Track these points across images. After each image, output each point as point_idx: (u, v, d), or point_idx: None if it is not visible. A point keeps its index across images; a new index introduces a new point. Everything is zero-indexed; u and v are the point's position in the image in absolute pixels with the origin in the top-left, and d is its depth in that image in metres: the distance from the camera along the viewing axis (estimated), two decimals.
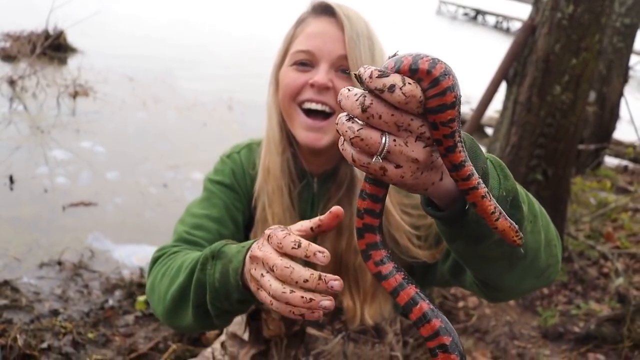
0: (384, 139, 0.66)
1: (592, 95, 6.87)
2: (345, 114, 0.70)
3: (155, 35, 11.79)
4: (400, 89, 0.63)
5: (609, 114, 6.80)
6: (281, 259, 0.86)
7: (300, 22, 1.36)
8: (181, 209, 1.52)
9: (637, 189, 5.61)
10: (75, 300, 3.56)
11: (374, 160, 0.68)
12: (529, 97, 3.61)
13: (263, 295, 0.90)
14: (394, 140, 0.67)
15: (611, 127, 6.94)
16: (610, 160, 7.93)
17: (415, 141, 0.67)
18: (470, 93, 6.94)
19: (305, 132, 1.30)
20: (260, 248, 0.91)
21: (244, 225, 1.46)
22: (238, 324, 1.52)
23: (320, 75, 1.27)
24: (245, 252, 1.01)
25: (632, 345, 3.17)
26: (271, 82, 1.40)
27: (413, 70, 0.65)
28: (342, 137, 0.70)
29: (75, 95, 7.49)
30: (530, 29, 3.57)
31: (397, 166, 0.68)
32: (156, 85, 8.59)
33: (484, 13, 43.58)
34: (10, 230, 4.28)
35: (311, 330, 1.41)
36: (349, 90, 0.68)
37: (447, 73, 0.64)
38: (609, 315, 3.38)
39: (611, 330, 3.28)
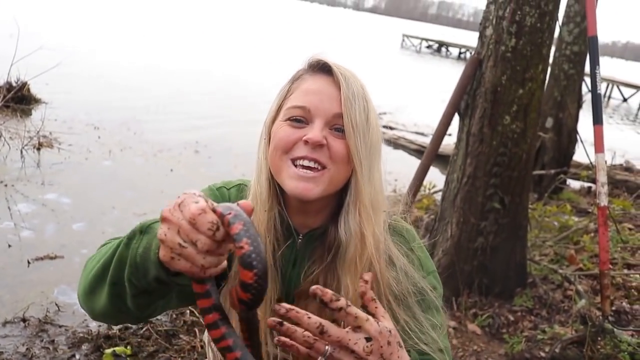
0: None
1: (549, 121, 7.09)
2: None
3: (124, 83, 11.84)
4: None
5: (567, 139, 7.01)
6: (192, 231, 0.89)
7: (297, 78, 1.36)
8: None
9: (594, 210, 5.74)
10: (40, 357, 3.48)
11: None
12: (480, 128, 3.73)
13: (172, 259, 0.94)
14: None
15: (570, 151, 7.14)
16: (574, 183, 8.14)
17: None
18: (434, 124, 7.09)
19: (296, 182, 1.27)
20: (172, 213, 0.92)
21: None
22: None
23: (315, 132, 1.26)
24: None
25: None
26: (263, 136, 1.38)
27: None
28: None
29: (39, 146, 7.44)
30: (477, 62, 3.71)
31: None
32: (122, 133, 8.59)
33: (447, 45, 44.74)
34: None
35: (280, 352, 1.34)
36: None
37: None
38: (572, 337, 3.44)
39: (575, 352, 3.33)
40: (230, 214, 0.85)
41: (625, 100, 28.04)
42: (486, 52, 3.68)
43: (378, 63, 26.99)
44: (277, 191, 1.36)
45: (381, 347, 1.00)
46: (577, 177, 7.33)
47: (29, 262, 4.62)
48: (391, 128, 11.55)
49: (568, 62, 6.80)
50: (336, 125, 1.28)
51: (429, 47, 45.99)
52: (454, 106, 3.78)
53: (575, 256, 4.75)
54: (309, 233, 1.38)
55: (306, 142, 1.26)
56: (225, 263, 0.94)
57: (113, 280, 1.11)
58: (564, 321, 3.80)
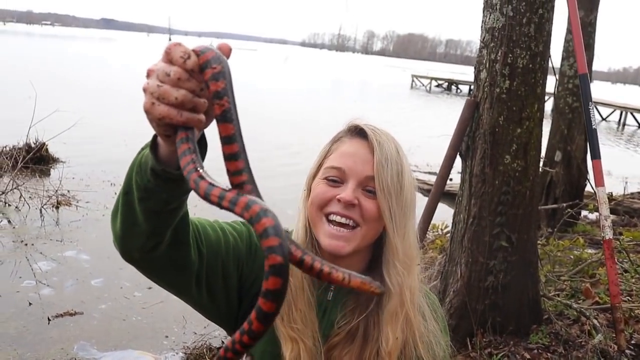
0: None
1: (558, 155, 7.13)
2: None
3: (138, 140, 12.12)
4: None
5: (577, 171, 7.03)
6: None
7: (336, 140, 1.48)
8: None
9: None
10: None
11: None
12: (482, 169, 3.80)
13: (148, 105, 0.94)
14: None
15: (581, 183, 7.15)
16: (591, 215, 8.09)
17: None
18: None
19: (329, 239, 1.38)
20: (154, 65, 0.94)
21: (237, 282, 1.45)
22: None
23: (348, 192, 1.37)
24: (149, 148, 1.06)
25: None
26: (304, 188, 1.50)
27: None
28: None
29: (58, 205, 7.65)
30: (474, 105, 3.81)
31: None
32: None
33: (456, 83, 45.14)
34: None
35: None
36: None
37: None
38: None
39: None
40: (202, 47, 0.89)
41: None
42: (482, 94, 3.79)
43: (389, 105, 27.29)
44: (312, 238, 1.45)
45: None
46: (588, 209, 7.31)
47: (49, 320, 4.73)
48: None
49: (572, 95, 6.89)
50: (368, 187, 1.39)
51: (438, 86, 46.42)
52: (455, 148, 3.86)
53: (591, 290, 4.72)
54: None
55: (339, 200, 1.37)
56: (203, 116, 0.93)
57: (125, 189, 1.15)
58: (582, 357, 3.76)
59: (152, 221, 1.16)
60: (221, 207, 0.78)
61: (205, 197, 0.80)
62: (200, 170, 0.82)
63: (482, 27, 3.82)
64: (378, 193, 1.37)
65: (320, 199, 1.41)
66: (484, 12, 3.79)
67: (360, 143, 1.43)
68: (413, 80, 47.75)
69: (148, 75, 0.94)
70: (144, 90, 0.93)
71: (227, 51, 0.91)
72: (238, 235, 1.45)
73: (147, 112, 0.93)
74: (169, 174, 1.04)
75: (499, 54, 3.66)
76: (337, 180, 1.41)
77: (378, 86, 39.46)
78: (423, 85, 46.30)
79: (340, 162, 1.42)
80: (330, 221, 1.39)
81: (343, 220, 1.37)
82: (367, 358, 1.39)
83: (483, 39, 3.79)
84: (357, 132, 1.45)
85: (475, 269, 3.93)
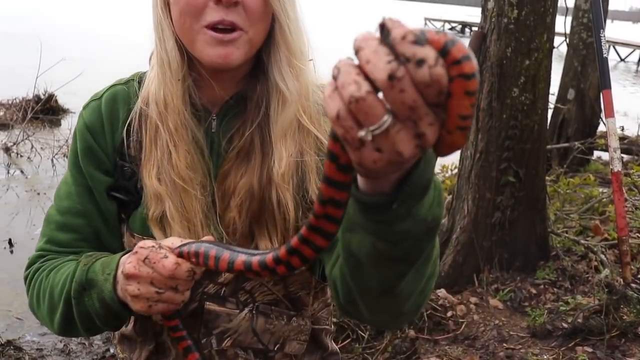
0: (387, 117, 0.55)
1: (571, 93, 6.96)
2: (353, 64, 0.56)
3: None
4: (430, 68, 0.52)
5: (590, 109, 6.87)
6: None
7: None
8: None
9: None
10: (77, 352, 3.65)
11: (361, 133, 0.57)
12: (489, 103, 3.71)
13: (139, 306, 0.99)
14: (395, 124, 0.56)
15: (594, 121, 7.00)
16: (605, 155, 7.97)
17: (413, 136, 0.57)
18: None
19: (214, 48, 1.08)
20: (138, 269, 0.96)
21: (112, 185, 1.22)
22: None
23: None
24: (112, 279, 1.04)
25: (619, 334, 3.19)
26: None
27: (443, 51, 0.54)
28: (337, 86, 0.56)
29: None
30: (481, 37, 3.69)
31: (378, 149, 0.58)
32: None
33: (470, 25, 44.11)
34: (12, 293, 4.38)
35: (211, 306, 1.19)
36: (378, 43, 0.55)
37: (474, 73, 0.54)
38: (595, 306, 3.41)
39: (598, 321, 3.30)
40: (201, 251, 0.94)
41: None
42: (489, 25, 3.66)
43: None
44: (189, 60, 1.16)
45: None
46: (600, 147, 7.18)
47: None
48: None
49: (586, 30, 6.65)
50: None
51: (452, 28, 45.42)
52: None
53: (600, 227, 4.68)
54: (224, 107, 1.20)
55: (218, 1, 1.06)
56: (188, 294, 1.04)
57: (86, 327, 1.13)
58: (587, 292, 3.77)
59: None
60: None
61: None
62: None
63: None
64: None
65: (193, 7, 1.07)
66: None
67: None
68: (426, 23, 46.77)
69: (132, 277, 0.97)
70: (135, 295, 0.97)
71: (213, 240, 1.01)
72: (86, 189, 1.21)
73: (144, 312, 1.00)
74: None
75: None
76: None
77: None
78: (436, 28, 45.37)
79: None
80: (208, 31, 1.08)
81: (227, 28, 1.07)
82: (258, 180, 1.15)
83: None
84: None
85: (482, 205, 3.89)
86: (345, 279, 0.95)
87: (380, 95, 0.56)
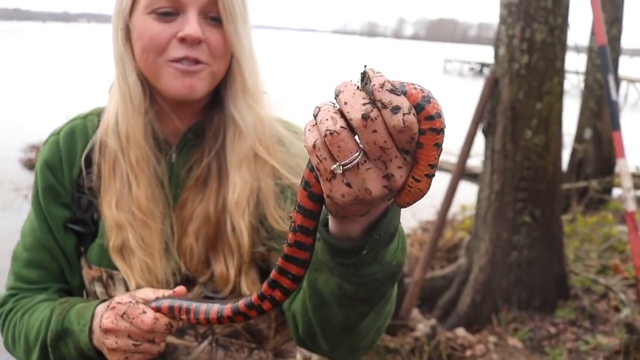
0: (358, 154, 0.62)
1: (588, 132, 7.02)
2: (332, 104, 0.63)
3: None
4: (404, 115, 0.59)
5: (607, 149, 6.90)
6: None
7: None
8: None
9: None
10: None
11: (334, 166, 0.63)
12: (503, 145, 3.81)
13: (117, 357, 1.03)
14: (365, 161, 0.63)
15: (612, 160, 7.02)
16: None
17: (382, 177, 0.64)
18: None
19: (179, 80, 1.11)
20: (116, 324, 1.00)
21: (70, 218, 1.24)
22: None
23: (193, 26, 1.09)
24: (87, 331, 1.07)
25: None
26: (118, 29, 1.15)
27: (419, 106, 0.61)
28: (316, 121, 0.64)
29: None
30: (493, 82, 3.81)
31: (347, 184, 0.64)
32: None
33: (489, 65, 44.37)
34: None
35: (169, 339, 1.18)
36: (356, 89, 0.62)
37: (444, 128, 0.62)
38: (615, 346, 3.41)
39: None
40: (180, 307, 1.00)
41: None
42: (501, 70, 3.79)
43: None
44: (151, 93, 1.18)
45: None
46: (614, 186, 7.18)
47: None
48: None
49: (600, 71, 6.75)
50: (211, 14, 1.12)
51: (471, 69, 45.76)
52: (475, 125, 3.87)
53: (620, 265, 4.68)
54: (183, 139, 1.23)
55: (182, 39, 1.10)
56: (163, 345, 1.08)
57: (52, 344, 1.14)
58: (608, 331, 3.76)
59: None
60: None
61: None
62: None
63: (500, 3, 3.81)
64: (225, 20, 1.12)
65: (156, 43, 1.10)
66: None
67: None
68: (445, 64, 47.18)
69: (110, 332, 1.01)
70: (113, 349, 1.01)
71: (184, 293, 1.04)
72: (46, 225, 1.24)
73: None
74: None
75: (517, 29, 3.65)
76: (170, 12, 1.11)
77: (408, 71, 39.08)
78: (455, 69, 45.72)
79: None
80: (173, 66, 1.12)
81: (192, 65, 1.12)
82: (213, 207, 1.18)
83: (501, 15, 3.79)
84: None
85: (499, 244, 3.95)
86: (308, 314, 0.99)
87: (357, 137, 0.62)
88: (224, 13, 1.11)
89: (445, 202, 3.93)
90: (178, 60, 1.11)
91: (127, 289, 1.16)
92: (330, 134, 0.61)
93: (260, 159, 1.18)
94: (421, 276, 4.03)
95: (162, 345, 1.05)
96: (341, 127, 0.61)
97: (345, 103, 0.61)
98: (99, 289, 1.21)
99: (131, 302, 1.00)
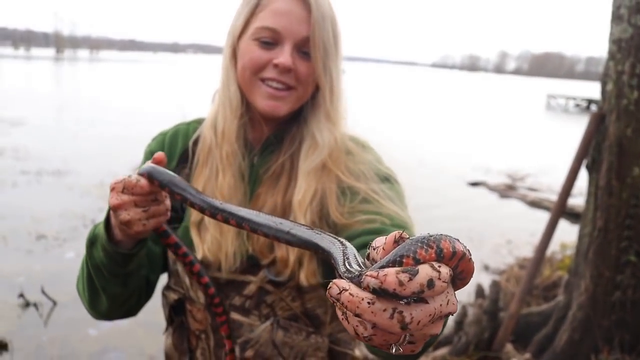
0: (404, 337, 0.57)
1: None
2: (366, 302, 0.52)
3: None
4: (439, 278, 0.52)
5: None
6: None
7: None
8: None
9: None
10: None
11: (392, 349, 0.57)
12: (608, 182, 3.74)
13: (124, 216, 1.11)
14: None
15: None
16: None
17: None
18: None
19: (267, 100, 1.32)
20: (119, 198, 1.09)
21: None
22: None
23: (285, 57, 1.28)
24: (104, 222, 1.19)
25: None
26: (228, 46, 1.37)
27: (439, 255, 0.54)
28: (351, 314, 0.54)
29: None
30: (599, 118, 3.78)
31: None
32: None
33: (597, 102, 42.22)
34: (145, 334, 4.85)
35: (235, 316, 1.35)
36: (369, 304, 0.52)
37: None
38: None
39: None
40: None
41: None
42: (608, 106, 3.75)
43: (522, 125, 26.33)
44: (246, 102, 1.39)
45: None
46: None
47: None
48: (533, 190, 11.37)
49: None
50: (304, 49, 1.31)
51: (577, 105, 43.85)
52: (579, 161, 3.84)
53: None
54: (265, 143, 1.41)
55: (276, 65, 1.29)
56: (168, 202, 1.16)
57: (102, 285, 1.27)
58: None
59: (130, 285, 1.30)
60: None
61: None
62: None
63: (609, 39, 3.80)
64: (315, 55, 1.30)
65: (255, 64, 1.31)
66: (611, 24, 3.77)
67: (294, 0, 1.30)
68: (549, 100, 45.58)
69: (119, 208, 1.09)
70: (127, 221, 1.09)
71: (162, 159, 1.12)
72: None
73: (140, 234, 1.13)
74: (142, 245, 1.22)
75: (627, 64, 3.62)
76: (270, 42, 1.30)
77: (510, 107, 38.08)
78: (559, 105, 44.02)
79: (274, 22, 1.29)
80: (265, 83, 1.32)
81: (279, 86, 1.31)
82: (280, 200, 1.35)
83: (610, 51, 3.77)
84: None
85: (600, 282, 3.85)
86: None
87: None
88: (313, 49, 1.29)
89: (544, 239, 3.90)
90: (269, 80, 1.31)
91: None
92: (373, 335, 0.55)
93: (327, 168, 1.34)
94: (516, 310, 4.01)
95: (167, 202, 1.14)
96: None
97: (379, 324, 0.54)
98: (180, 268, 1.42)
99: (124, 178, 1.09)
